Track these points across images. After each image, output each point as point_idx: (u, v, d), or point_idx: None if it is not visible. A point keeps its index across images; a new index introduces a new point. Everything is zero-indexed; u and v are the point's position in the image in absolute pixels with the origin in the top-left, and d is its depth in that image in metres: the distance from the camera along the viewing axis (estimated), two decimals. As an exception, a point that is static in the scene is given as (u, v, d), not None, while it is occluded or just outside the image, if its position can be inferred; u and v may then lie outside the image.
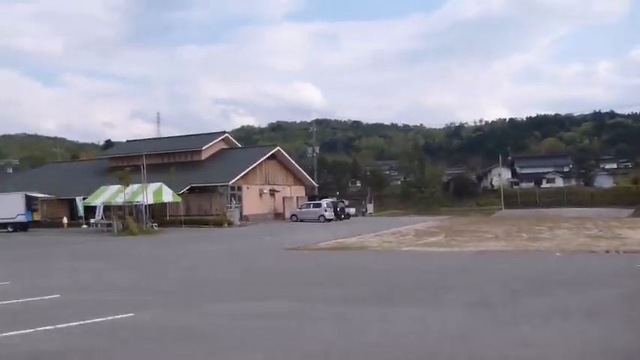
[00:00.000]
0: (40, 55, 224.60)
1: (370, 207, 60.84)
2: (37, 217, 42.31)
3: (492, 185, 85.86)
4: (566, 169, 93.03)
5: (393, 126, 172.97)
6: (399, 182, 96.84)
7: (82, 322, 8.33)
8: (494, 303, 9.33)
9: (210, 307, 9.69)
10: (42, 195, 42.95)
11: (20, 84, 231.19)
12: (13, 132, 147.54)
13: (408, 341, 6.99)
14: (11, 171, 71.88)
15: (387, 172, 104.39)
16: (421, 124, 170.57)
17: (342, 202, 51.09)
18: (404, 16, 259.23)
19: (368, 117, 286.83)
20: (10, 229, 39.78)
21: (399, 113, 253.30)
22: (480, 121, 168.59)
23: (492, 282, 11.81)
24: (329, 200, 46.53)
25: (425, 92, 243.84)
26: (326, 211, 43.07)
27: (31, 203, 41.41)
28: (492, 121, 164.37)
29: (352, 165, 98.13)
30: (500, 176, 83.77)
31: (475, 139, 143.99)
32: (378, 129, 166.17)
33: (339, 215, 44.77)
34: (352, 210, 52.33)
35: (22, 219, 40.22)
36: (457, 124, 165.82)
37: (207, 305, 9.92)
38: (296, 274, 14.51)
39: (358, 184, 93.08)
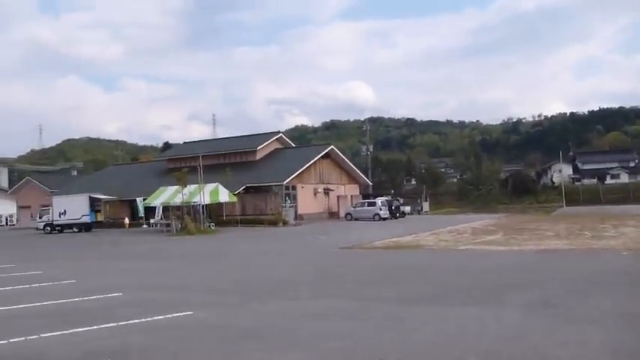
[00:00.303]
0: (100, 61, 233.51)
1: (426, 205, 60.23)
2: (100, 217, 44.07)
3: (552, 182, 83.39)
4: (631, 164, 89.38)
5: (448, 122, 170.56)
6: (454, 180, 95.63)
7: (142, 320, 8.57)
8: (556, 302, 9.04)
9: (267, 306, 9.79)
10: (105, 196, 44.65)
11: (83, 90, 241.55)
12: (77, 136, 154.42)
13: (464, 340, 6.85)
14: (76, 174, 74.84)
15: (443, 170, 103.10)
16: (477, 120, 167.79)
17: (397, 200, 50.83)
18: (457, 11, 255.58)
19: (422, 114, 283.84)
20: (75, 230, 41.57)
21: (453, 109, 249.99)
22: (539, 115, 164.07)
23: (553, 281, 11.42)
24: (384, 199, 46.19)
25: (480, 87, 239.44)
26: (381, 209, 42.68)
27: (94, 204, 43.17)
28: (552, 116, 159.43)
29: (407, 163, 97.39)
30: (561, 172, 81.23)
31: (534, 135, 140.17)
32: (432, 126, 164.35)
33: (394, 214, 44.40)
34: (407, 208, 51.94)
35: (86, 220, 41.94)
36: (514, 120, 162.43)
37: (263, 304, 10.02)
38: (351, 273, 14.45)
39: (413, 182, 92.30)
